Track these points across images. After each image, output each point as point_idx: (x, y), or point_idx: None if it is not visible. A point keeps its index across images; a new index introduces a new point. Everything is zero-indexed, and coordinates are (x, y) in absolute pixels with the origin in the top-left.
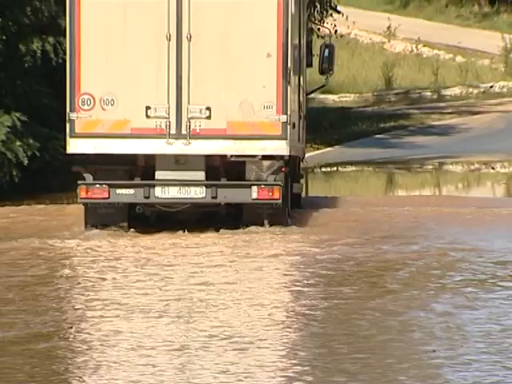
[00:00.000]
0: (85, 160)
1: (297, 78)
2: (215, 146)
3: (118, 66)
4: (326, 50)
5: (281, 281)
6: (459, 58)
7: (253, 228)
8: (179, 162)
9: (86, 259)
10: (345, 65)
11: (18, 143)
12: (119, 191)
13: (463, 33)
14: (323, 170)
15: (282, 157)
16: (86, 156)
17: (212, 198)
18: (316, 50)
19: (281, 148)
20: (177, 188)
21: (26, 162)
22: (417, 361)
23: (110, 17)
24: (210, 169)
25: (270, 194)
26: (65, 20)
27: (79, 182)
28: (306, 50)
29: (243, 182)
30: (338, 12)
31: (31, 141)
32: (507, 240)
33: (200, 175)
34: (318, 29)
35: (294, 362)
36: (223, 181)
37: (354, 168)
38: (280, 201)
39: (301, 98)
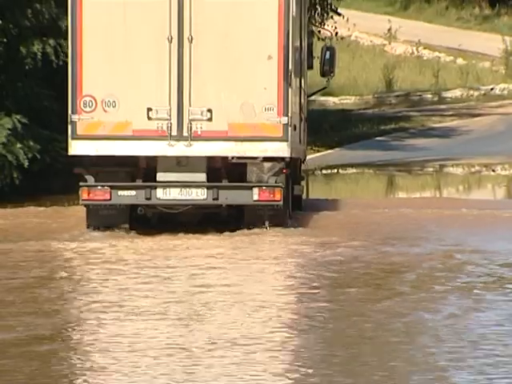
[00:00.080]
0: (86, 162)
1: (298, 80)
2: (216, 148)
3: (120, 68)
4: (328, 53)
5: (283, 283)
6: (460, 61)
7: (254, 230)
8: (181, 163)
9: (87, 261)
10: (345, 67)
11: (19, 145)
12: (121, 193)
13: (464, 35)
14: (324, 172)
15: (283, 159)
16: (88, 158)
17: (213, 199)
18: (317, 53)
19: (282, 150)
20: (178, 189)
21: (26, 164)
22: (423, 363)
23: (112, 19)
24: (211, 170)
25: (271, 195)
26: (66, 22)
27: (81, 183)
28: (307, 52)
29: (244, 184)
30: (339, 14)
31: (32, 143)
32: (508, 242)
33: (201, 177)
34: (319, 31)
35: (297, 364)
36: (224, 182)
37: (354, 170)
38: (281, 202)
39: (302, 100)
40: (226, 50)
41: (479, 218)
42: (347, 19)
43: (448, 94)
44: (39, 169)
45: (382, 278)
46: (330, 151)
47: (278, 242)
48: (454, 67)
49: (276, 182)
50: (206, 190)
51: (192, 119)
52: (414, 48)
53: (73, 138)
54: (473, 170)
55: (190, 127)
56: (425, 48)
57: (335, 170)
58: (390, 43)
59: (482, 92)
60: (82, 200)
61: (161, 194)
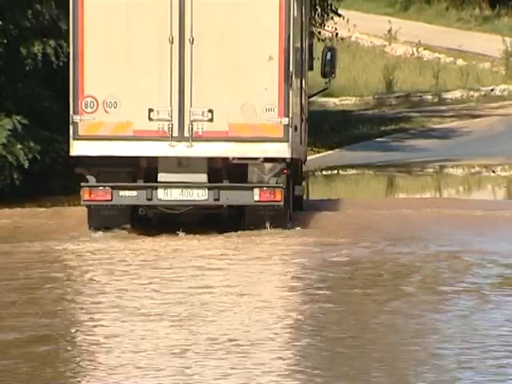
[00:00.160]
0: (88, 162)
1: (299, 80)
2: (217, 149)
3: (121, 69)
4: (329, 54)
5: (284, 283)
6: (460, 62)
7: (255, 230)
8: (182, 164)
9: (87, 262)
10: (346, 68)
11: (19, 146)
12: (122, 193)
13: (464, 36)
14: (324, 173)
15: (283, 159)
16: (89, 158)
17: (214, 200)
18: (317, 54)
19: (282, 150)
20: (179, 190)
21: (26, 164)
22: (433, 365)
23: (113, 20)
24: (212, 171)
25: (272, 196)
26: (67, 23)
27: (82, 184)
28: (308, 53)
29: (245, 185)
30: (339, 15)
31: (32, 144)
32: (510, 243)
33: (202, 177)
34: (319, 32)
35: (300, 365)
36: (225, 183)
37: (354, 171)
38: (282, 203)
39: (303, 101)
40: (227, 51)
41: (481, 219)
42: (347, 20)
43: (448, 95)
44: (39, 169)
45: (389, 279)
46: (330, 152)
47: (278, 242)
48: (454, 68)
49: (277, 183)
50: (207, 190)
51: (193, 120)
52: (414, 49)
53: (74, 139)
54: (473, 170)
55: (191, 128)
56: (425, 49)
57: (335, 171)
58: (390, 44)
59: (482, 93)
60: (84, 200)
61: (162, 194)
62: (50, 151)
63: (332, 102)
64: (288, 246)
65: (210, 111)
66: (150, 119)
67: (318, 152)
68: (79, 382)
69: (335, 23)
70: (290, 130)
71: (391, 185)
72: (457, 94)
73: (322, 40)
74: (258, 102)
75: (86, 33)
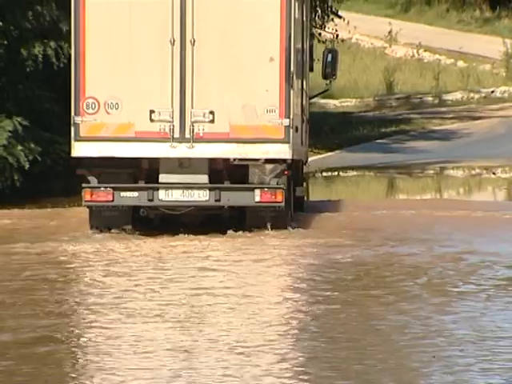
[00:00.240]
0: (89, 163)
1: (300, 82)
2: (218, 150)
3: (123, 70)
4: (330, 55)
5: (285, 285)
6: (460, 63)
7: (256, 231)
8: (183, 165)
9: (88, 262)
10: (346, 69)
11: (20, 148)
12: (123, 194)
13: (464, 38)
14: (324, 174)
15: (284, 160)
16: (91, 159)
17: (215, 201)
18: (317, 55)
19: (283, 151)
20: (180, 191)
21: (27, 166)
22: (441, 366)
23: (115, 21)
24: (213, 172)
25: (273, 197)
26: (67, 24)
27: (84, 184)
28: (308, 54)
29: (246, 186)
30: (340, 17)
31: (32, 145)
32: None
33: (203, 178)
34: (320, 34)
35: (304, 368)
36: (226, 184)
37: (355, 173)
38: (283, 204)
39: (304, 102)
40: (228, 52)
41: (482, 220)
42: (348, 22)
43: (448, 97)
44: (40, 171)
45: (395, 281)
46: (330, 154)
47: (279, 243)
48: (455, 70)
49: (278, 184)
50: (208, 191)
51: (194, 121)
52: (415, 50)
53: (76, 140)
54: (473, 172)
55: (192, 129)
56: (425, 50)
57: (336, 173)
58: (390, 46)
59: (483, 95)
60: (85, 201)
61: (163, 195)
62: (50, 152)
63: (332, 104)
64: (289, 247)
65: (211, 112)
66: (152, 120)
67: (319, 153)
68: (79, 383)
69: (336, 25)
70: (291, 131)
71: (391, 186)
72: (457, 95)
73: (323, 42)
74: (258, 103)
75: (88, 34)
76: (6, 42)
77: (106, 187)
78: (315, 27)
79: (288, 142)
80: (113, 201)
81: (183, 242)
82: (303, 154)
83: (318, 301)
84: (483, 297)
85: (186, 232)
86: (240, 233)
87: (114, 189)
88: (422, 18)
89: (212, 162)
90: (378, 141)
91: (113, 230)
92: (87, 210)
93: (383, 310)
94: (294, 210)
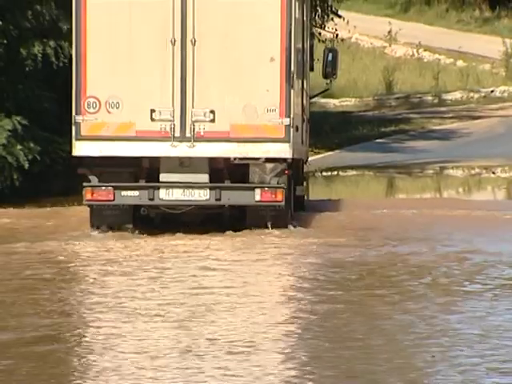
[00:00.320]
0: (90, 162)
1: (300, 81)
2: (219, 149)
3: (124, 70)
4: (330, 54)
5: (286, 284)
6: (460, 63)
7: (256, 230)
8: (183, 164)
9: (88, 262)
10: (346, 69)
11: (19, 147)
12: (124, 193)
13: (464, 37)
14: (324, 174)
15: (285, 159)
16: (92, 158)
17: (216, 200)
18: (317, 55)
19: (284, 151)
20: (181, 190)
21: (26, 165)
22: (446, 366)
23: (116, 21)
24: (213, 171)
25: (273, 196)
26: (67, 24)
27: (84, 184)
28: (308, 54)
29: (246, 185)
30: (339, 16)
31: (32, 144)
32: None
33: (204, 177)
34: (319, 33)
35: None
36: (227, 183)
37: (354, 172)
38: (283, 203)
39: (304, 102)
40: (229, 52)
41: (483, 219)
42: (347, 21)
43: (448, 97)
44: (39, 170)
45: (397, 280)
46: (330, 153)
47: (280, 242)
48: (454, 69)
49: (278, 183)
50: (208, 190)
51: (195, 120)
52: (415, 50)
53: (77, 139)
54: (473, 172)
55: (193, 128)
56: (425, 50)
57: (335, 172)
58: (390, 45)
59: (482, 94)
60: (86, 200)
61: (164, 194)
62: (49, 152)
63: (332, 103)
64: (290, 246)
65: (212, 112)
66: (152, 120)
67: (318, 153)
68: (79, 381)
69: (335, 24)
70: (292, 130)
71: (391, 186)
72: (457, 95)
73: (323, 41)
74: (259, 102)
75: (89, 33)
76: (5, 42)
77: (106, 186)
78: (315, 26)
79: (288, 142)
80: (114, 200)
81: (184, 241)
82: (303, 153)
83: (320, 300)
84: (489, 296)
85: (186, 231)
86: (240, 232)
87: (115, 188)
88: (422, 17)
89: (212, 161)
90: (377, 140)
91: (113, 229)
92: (88, 209)
93: (388, 309)
94: (295, 209)
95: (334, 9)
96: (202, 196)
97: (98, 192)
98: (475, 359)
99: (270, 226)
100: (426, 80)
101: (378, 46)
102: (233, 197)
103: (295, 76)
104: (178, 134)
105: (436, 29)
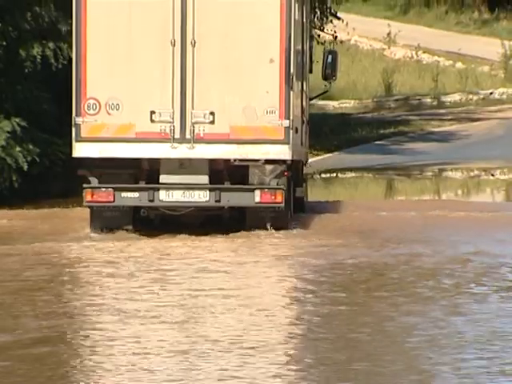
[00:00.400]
0: (90, 164)
1: (300, 83)
2: (219, 150)
3: (124, 71)
4: (330, 56)
5: (287, 285)
6: (459, 65)
7: (256, 232)
8: (183, 165)
9: (88, 263)
10: (345, 71)
11: (18, 148)
12: (124, 194)
13: (463, 39)
14: (323, 176)
15: (284, 161)
16: (92, 160)
17: (215, 201)
18: (317, 57)
19: (283, 152)
20: (181, 191)
21: (25, 167)
22: (451, 369)
23: (116, 23)
24: (213, 173)
25: (273, 197)
26: (68, 25)
27: (85, 185)
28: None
29: (246, 186)
30: (338, 18)
31: (31, 146)
32: None
33: (204, 179)
34: (319, 35)
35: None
36: (226, 184)
37: (353, 174)
38: (282, 204)
39: (304, 103)
40: (228, 54)
41: (484, 221)
42: (347, 23)
43: (447, 99)
44: (38, 172)
45: (399, 282)
46: (329, 155)
47: (279, 244)
48: (453, 71)
49: (277, 185)
50: (208, 192)
51: (195, 122)
52: (414, 52)
53: (77, 141)
54: (472, 174)
55: (193, 130)
56: (424, 52)
57: (334, 174)
58: (389, 47)
59: (481, 96)
60: (86, 201)
61: (164, 195)
62: (49, 153)
63: (331, 105)
64: (289, 248)
65: (212, 113)
66: (152, 121)
67: (317, 155)
68: (78, 383)
69: (334, 26)
70: (291, 132)
71: (390, 188)
72: (456, 97)
73: (322, 43)
74: (259, 104)
75: (89, 35)
76: (4, 43)
77: (106, 188)
78: (314, 28)
79: (288, 143)
80: (113, 201)
81: (183, 243)
82: (303, 154)
83: (322, 302)
84: (495, 298)
85: (186, 232)
86: (240, 233)
87: (115, 189)
88: (421, 19)
89: (212, 162)
90: (376, 142)
91: (113, 231)
92: (87, 210)
93: (392, 311)
94: (294, 211)
95: (333, 11)
96: (201, 197)
97: (98, 193)
98: (482, 361)
99: (269, 227)
100: (425, 82)
101: (377, 48)
102: (232, 198)
103: (295, 78)
104: (177, 135)
105: (435, 31)
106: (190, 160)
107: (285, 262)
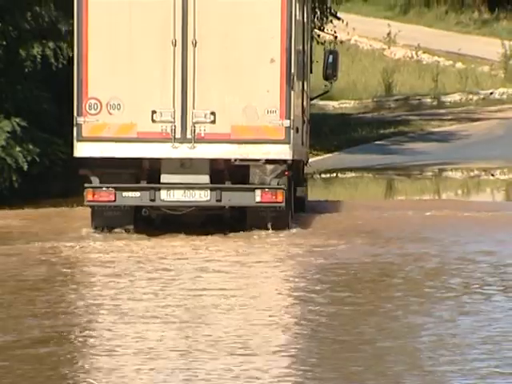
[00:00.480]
0: (91, 163)
1: (300, 83)
2: (219, 150)
3: (125, 71)
4: (331, 56)
5: (287, 285)
6: (459, 65)
7: (257, 231)
8: (184, 165)
9: (89, 263)
10: (345, 71)
11: (18, 148)
12: (125, 194)
13: (463, 39)
14: (323, 176)
15: (285, 161)
16: (93, 159)
17: (216, 201)
18: (317, 57)
19: (284, 152)
20: (182, 191)
21: (25, 167)
22: (461, 369)
23: (117, 23)
24: (214, 172)
25: (274, 197)
26: (66, 25)
27: (86, 184)
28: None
29: (247, 186)
30: (338, 18)
31: (31, 146)
32: None
33: (205, 179)
34: (318, 35)
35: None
36: (227, 184)
37: (353, 174)
38: (283, 204)
39: (304, 103)
40: (229, 54)
41: (485, 221)
42: (347, 23)
43: (447, 99)
44: (38, 172)
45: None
46: (329, 155)
47: (280, 243)
48: (453, 71)
49: (278, 184)
50: (209, 191)
51: (196, 122)
52: (414, 52)
53: (78, 140)
54: (472, 174)
55: (194, 130)
56: (424, 52)
57: (334, 174)
58: (389, 47)
59: (481, 96)
60: (87, 201)
61: (165, 195)
62: (48, 153)
63: (331, 105)
64: (290, 247)
65: (213, 113)
66: (153, 121)
67: (317, 155)
68: (78, 383)
69: (334, 26)
70: (292, 131)
71: (390, 188)
72: (456, 97)
73: (322, 43)
74: (259, 104)
75: (90, 35)
76: (4, 43)
77: (108, 187)
78: (314, 28)
79: (288, 143)
80: (115, 201)
81: (184, 242)
82: (304, 154)
83: (326, 302)
84: (504, 298)
85: (187, 232)
86: (241, 233)
87: (116, 189)
88: (421, 19)
89: (213, 162)
90: (376, 142)
91: (114, 230)
92: (88, 209)
93: (398, 310)
94: (295, 211)
95: (333, 11)
96: (202, 197)
97: (99, 193)
98: (492, 362)
99: (270, 226)
100: (425, 82)
101: (378, 48)
102: (233, 198)
103: (295, 77)
104: (178, 135)
105: (435, 31)
106: (190, 160)
107: (286, 261)
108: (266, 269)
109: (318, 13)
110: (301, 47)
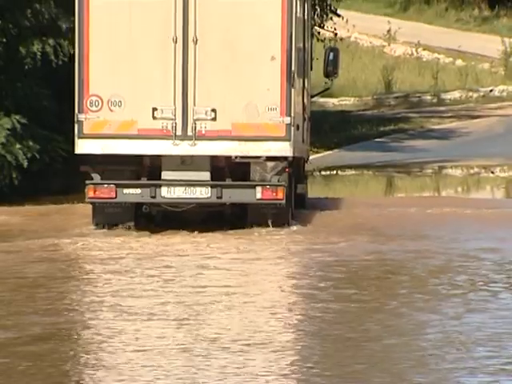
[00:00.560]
0: (92, 160)
1: (301, 80)
2: (220, 147)
3: (126, 68)
4: (331, 54)
5: (289, 282)
6: (459, 62)
7: (257, 228)
8: (185, 162)
9: (89, 259)
10: (345, 68)
11: (18, 145)
12: (126, 191)
13: (463, 36)
14: (323, 173)
15: (285, 158)
16: (94, 156)
17: (217, 198)
18: (316, 54)
19: (284, 149)
20: (182, 188)
21: (25, 164)
22: (466, 366)
23: (118, 20)
24: (215, 169)
25: (274, 194)
26: (69, 22)
27: (87, 181)
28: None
29: (248, 183)
30: (338, 15)
31: (31, 143)
32: None
33: (205, 176)
34: (318, 32)
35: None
36: (228, 181)
37: (353, 172)
38: (284, 201)
39: (305, 100)
40: (230, 51)
41: (485, 218)
42: (347, 20)
43: (447, 96)
44: (38, 169)
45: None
46: (329, 152)
47: (281, 240)
48: (453, 69)
49: (279, 181)
50: (209, 188)
51: (196, 119)
52: (414, 49)
53: (79, 137)
54: (472, 171)
55: (195, 127)
56: (424, 49)
57: (334, 172)
58: (389, 44)
59: (481, 93)
60: (88, 198)
61: (165, 192)
62: (49, 150)
63: (331, 103)
64: (290, 244)
65: (214, 110)
66: (154, 118)
67: (317, 152)
68: (78, 380)
69: (334, 23)
70: (292, 129)
71: (390, 185)
72: (456, 94)
73: (321, 40)
74: (260, 101)
75: (92, 32)
76: (4, 40)
77: (109, 184)
78: (314, 26)
79: (289, 140)
80: (116, 197)
81: (185, 239)
82: (304, 151)
83: (329, 299)
84: (509, 295)
85: (187, 229)
86: (241, 230)
87: (117, 185)
88: (421, 16)
89: (214, 159)
90: (376, 139)
91: (115, 227)
92: (88, 206)
93: (405, 308)
94: (296, 208)
95: (333, 8)
96: (203, 194)
97: (100, 190)
98: (498, 359)
99: (270, 223)
100: (425, 79)
101: (377, 45)
102: (234, 195)
103: (296, 75)
104: (179, 132)
105: (435, 28)
106: (191, 157)
107: (287, 258)
108: (267, 266)
109: (318, 10)
110: (301, 45)
